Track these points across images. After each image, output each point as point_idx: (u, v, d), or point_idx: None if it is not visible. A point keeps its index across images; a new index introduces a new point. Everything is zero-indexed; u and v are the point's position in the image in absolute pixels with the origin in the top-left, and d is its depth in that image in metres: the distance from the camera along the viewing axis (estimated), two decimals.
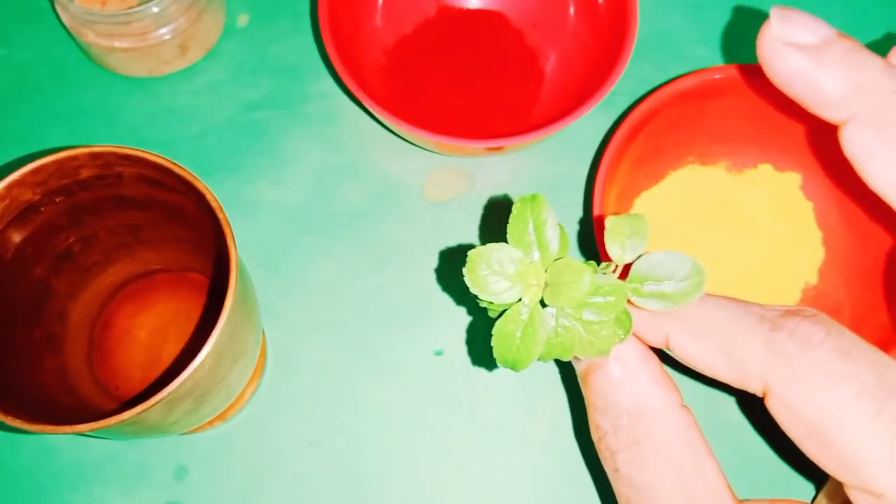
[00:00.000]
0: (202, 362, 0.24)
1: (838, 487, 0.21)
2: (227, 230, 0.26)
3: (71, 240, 0.31)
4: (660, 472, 0.21)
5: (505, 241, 0.21)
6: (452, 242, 0.38)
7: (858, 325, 0.33)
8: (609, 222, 0.21)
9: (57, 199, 0.28)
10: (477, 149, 0.35)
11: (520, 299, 0.21)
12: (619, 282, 0.21)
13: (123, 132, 0.40)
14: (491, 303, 0.22)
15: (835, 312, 0.35)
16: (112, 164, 0.27)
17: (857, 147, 0.21)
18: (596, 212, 0.32)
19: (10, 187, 0.26)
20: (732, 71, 0.33)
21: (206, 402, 0.28)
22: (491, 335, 0.21)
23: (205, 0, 0.39)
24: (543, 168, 0.40)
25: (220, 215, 0.26)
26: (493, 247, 0.21)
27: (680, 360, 0.22)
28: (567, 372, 0.36)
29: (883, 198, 0.21)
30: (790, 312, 0.20)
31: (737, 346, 0.21)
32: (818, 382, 0.19)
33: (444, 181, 0.39)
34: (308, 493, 0.34)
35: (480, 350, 0.36)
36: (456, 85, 0.41)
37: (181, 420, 0.27)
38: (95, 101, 0.40)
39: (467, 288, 0.21)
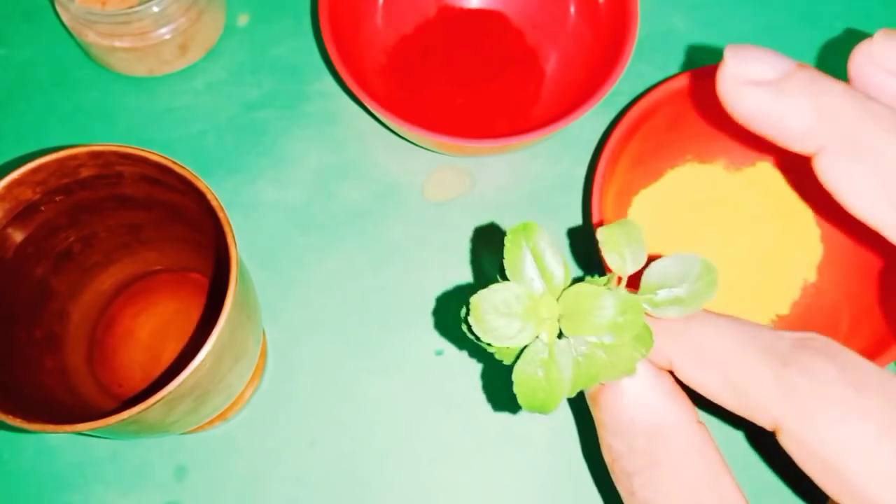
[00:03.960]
0: (202, 362, 0.24)
1: None
2: (227, 230, 0.26)
3: (71, 239, 0.31)
4: (677, 492, 0.20)
5: (498, 263, 0.20)
6: (453, 242, 0.38)
7: (857, 322, 0.33)
8: (602, 234, 0.20)
9: (57, 199, 0.28)
10: (477, 149, 0.35)
11: (536, 337, 0.20)
12: (634, 296, 0.20)
13: (124, 132, 0.40)
14: (503, 348, 0.21)
15: (834, 309, 0.35)
16: (112, 164, 0.27)
17: (834, 177, 0.21)
18: (594, 209, 0.32)
19: (10, 186, 0.26)
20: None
21: (206, 401, 0.28)
22: (511, 380, 0.20)
23: (205, 0, 0.39)
24: (543, 168, 0.40)
25: (221, 215, 0.26)
26: (494, 288, 0.20)
27: (686, 383, 0.22)
28: None
29: (869, 225, 0.21)
30: (800, 345, 0.20)
31: (744, 380, 0.20)
32: (834, 421, 0.18)
33: (444, 181, 0.39)
34: (308, 492, 0.34)
35: (480, 350, 0.36)
36: (456, 85, 0.41)
37: (181, 420, 0.27)
38: (96, 101, 0.40)
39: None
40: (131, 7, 0.36)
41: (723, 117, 0.36)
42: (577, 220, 0.39)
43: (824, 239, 0.37)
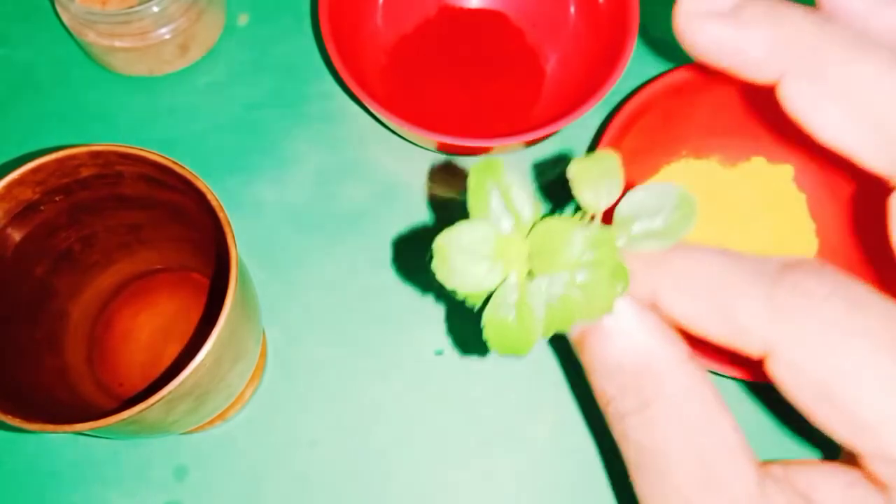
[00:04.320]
0: (202, 362, 0.24)
1: (852, 460, 0.19)
2: (227, 230, 0.26)
3: (71, 239, 0.31)
4: (671, 433, 0.19)
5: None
6: None
7: None
8: (574, 168, 0.19)
9: (57, 199, 0.28)
10: (477, 149, 0.35)
11: (505, 279, 0.19)
12: (606, 230, 0.19)
13: (124, 132, 0.40)
14: (469, 293, 0.20)
15: None
16: (112, 164, 0.27)
17: (798, 103, 0.20)
18: None
19: (10, 186, 0.26)
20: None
21: (206, 401, 0.28)
22: (481, 327, 0.19)
23: (205, 0, 0.39)
24: (543, 168, 0.40)
25: (221, 215, 0.26)
26: (459, 229, 0.18)
27: (669, 318, 0.21)
28: (567, 369, 0.36)
29: (833, 148, 0.20)
30: (791, 265, 0.19)
31: (732, 305, 0.19)
32: (828, 340, 0.17)
33: (444, 181, 0.39)
34: (308, 492, 0.34)
35: (480, 350, 0.36)
36: (456, 85, 0.41)
37: (181, 419, 0.27)
38: (96, 101, 0.40)
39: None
40: (131, 7, 0.36)
41: (718, 112, 0.36)
42: None
43: (819, 233, 0.37)
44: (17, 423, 0.23)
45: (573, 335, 0.21)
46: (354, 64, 0.36)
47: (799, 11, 0.20)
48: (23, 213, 0.28)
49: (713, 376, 0.32)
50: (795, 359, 0.18)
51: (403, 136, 0.37)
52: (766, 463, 0.20)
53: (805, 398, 0.18)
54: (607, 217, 0.19)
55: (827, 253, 0.36)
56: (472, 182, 0.19)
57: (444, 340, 0.36)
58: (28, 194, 0.27)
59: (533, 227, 0.19)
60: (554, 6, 0.41)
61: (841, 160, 0.21)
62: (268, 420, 0.35)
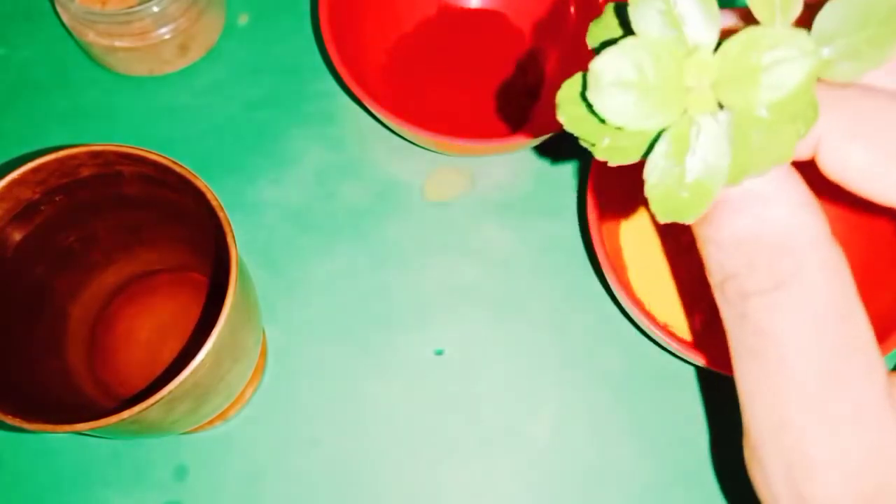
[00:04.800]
0: (202, 361, 0.24)
1: None
2: (227, 229, 0.26)
3: (71, 239, 0.31)
4: (801, 319, 0.17)
5: None
6: (453, 242, 0.38)
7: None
8: None
9: (57, 198, 0.28)
10: (477, 149, 0.35)
11: (682, 116, 0.15)
12: (809, 50, 0.14)
13: (124, 131, 0.40)
14: (626, 139, 0.15)
15: None
16: (112, 163, 0.27)
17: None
18: (589, 206, 0.32)
19: (10, 186, 0.26)
20: None
21: (206, 401, 0.28)
22: (646, 183, 0.15)
23: (205, 0, 0.39)
24: (543, 168, 0.40)
25: (221, 214, 0.26)
26: (623, 46, 0.14)
27: (830, 175, 0.18)
28: (567, 366, 0.36)
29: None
30: None
31: None
32: None
33: (444, 181, 0.39)
34: (308, 492, 0.34)
35: (480, 350, 0.36)
36: (456, 85, 0.41)
37: (181, 419, 0.27)
38: (96, 101, 0.40)
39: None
40: (131, 7, 0.36)
41: None
42: (576, 220, 0.39)
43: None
44: (17, 423, 0.23)
45: None
46: (354, 64, 0.36)
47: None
48: (23, 213, 0.28)
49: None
50: None
51: (403, 135, 0.37)
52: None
53: None
54: None
55: None
56: None
57: (444, 340, 0.36)
58: (28, 194, 0.27)
59: (722, 43, 0.14)
60: (554, 6, 0.41)
61: None
62: (268, 420, 0.35)
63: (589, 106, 0.14)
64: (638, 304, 0.31)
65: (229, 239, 0.26)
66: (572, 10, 0.40)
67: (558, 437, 0.35)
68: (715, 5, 0.14)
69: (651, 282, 0.36)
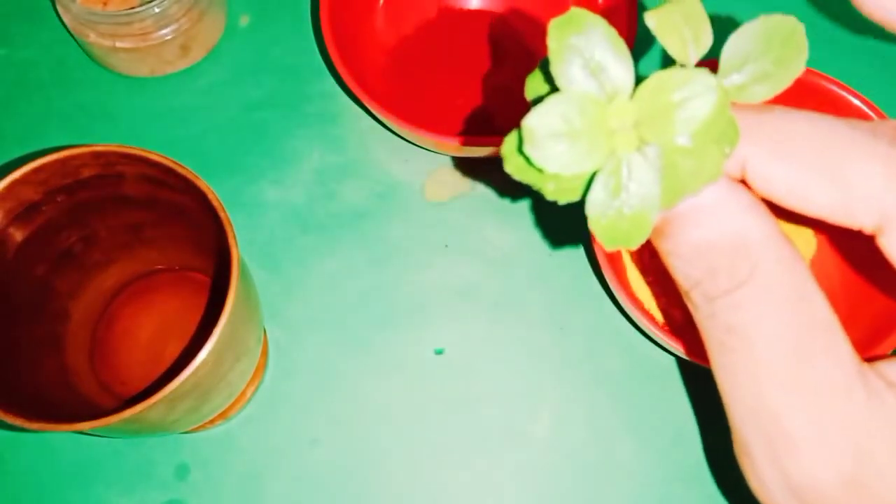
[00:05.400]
0: (204, 361, 0.24)
1: None
2: (228, 229, 0.26)
3: (72, 239, 0.31)
4: (765, 310, 0.18)
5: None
6: (453, 242, 0.38)
7: (853, 315, 0.33)
8: (653, 17, 0.16)
9: (58, 199, 0.28)
10: (477, 149, 0.35)
11: (611, 155, 0.16)
12: (720, 80, 0.16)
13: (125, 132, 0.40)
14: (564, 183, 0.17)
15: (830, 301, 0.35)
16: (114, 164, 0.27)
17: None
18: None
19: (11, 186, 0.26)
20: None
21: (207, 400, 0.28)
22: (587, 217, 0.16)
23: (206, 0, 0.39)
24: None
25: (222, 214, 0.26)
26: (549, 104, 0.15)
27: (759, 193, 0.18)
28: (567, 366, 0.36)
29: None
30: None
31: (843, 170, 0.16)
32: None
33: (444, 181, 0.39)
34: (309, 491, 0.34)
35: (480, 349, 0.36)
36: (456, 85, 0.41)
37: (182, 418, 0.27)
38: (97, 101, 0.40)
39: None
40: (133, 8, 0.36)
41: None
42: (576, 220, 0.39)
43: (817, 233, 0.37)
44: (17, 422, 0.23)
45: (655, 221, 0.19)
46: (355, 64, 0.36)
47: None
48: (24, 213, 0.28)
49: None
50: None
51: (404, 136, 0.37)
52: (873, 360, 0.19)
53: None
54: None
55: (825, 255, 0.36)
56: (553, 45, 0.16)
57: (444, 340, 0.36)
58: (30, 194, 0.27)
59: (638, 87, 0.16)
60: (554, 6, 0.41)
61: None
62: (269, 419, 0.35)
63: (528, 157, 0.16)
64: (638, 304, 0.31)
65: (230, 239, 0.26)
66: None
67: (558, 437, 0.35)
68: (628, 53, 0.16)
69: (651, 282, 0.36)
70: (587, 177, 0.16)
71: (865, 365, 0.18)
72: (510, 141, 0.17)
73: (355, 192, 0.39)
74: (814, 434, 0.18)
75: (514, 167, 0.17)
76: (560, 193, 0.17)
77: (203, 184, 0.26)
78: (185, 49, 0.40)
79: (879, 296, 0.33)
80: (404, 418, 0.35)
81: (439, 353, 0.36)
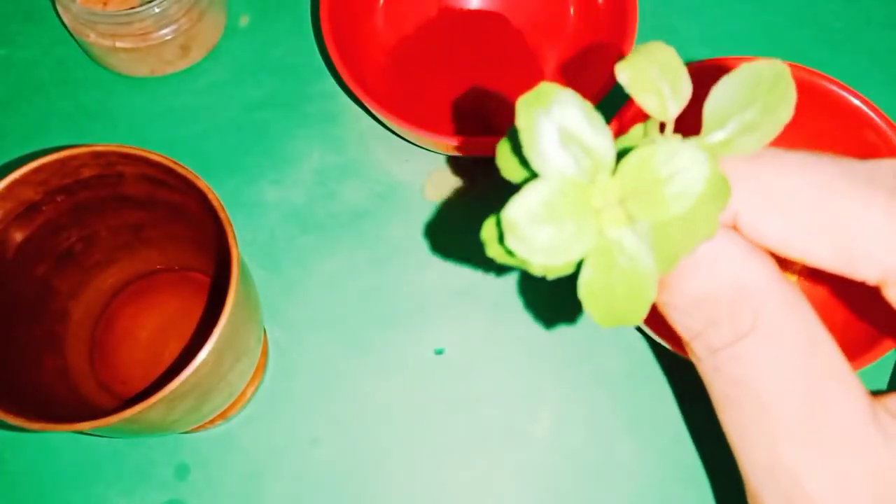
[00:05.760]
0: (204, 361, 0.24)
1: None
2: (228, 229, 0.26)
3: (72, 239, 0.31)
4: (772, 361, 0.17)
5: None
6: (453, 242, 0.38)
7: (850, 321, 0.33)
8: (624, 69, 0.15)
9: (58, 199, 0.28)
10: (476, 149, 0.35)
11: (599, 236, 0.15)
12: (701, 140, 0.15)
13: (125, 132, 0.40)
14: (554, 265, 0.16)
15: (825, 308, 0.35)
16: (114, 164, 0.27)
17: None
18: None
19: (11, 186, 0.26)
20: (723, 64, 0.34)
21: (207, 400, 0.28)
22: (579, 298, 0.15)
23: (206, 0, 0.39)
24: None
25: (222, 215, 0.26)
26: (527, 191, 0.14)
27: (752, 240, 0.18)
28: (567, 366, 0.36)
29: None
30: None
31: (842, 221, 0.16)
32: None
33: (444, 181, 0.39)
34: (309, 491, 0.34)
35: (480, 349, 0.36)
36: (456, 85, 0.41)
37: (182, 418, 0.27)
38: (97, 101, 0.40)
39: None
40: (133, 8, 0.36)
41: None
42: None
43: None
44: (18, 422, 0.23)
45: None
46: (355, 64, 0.36)
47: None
48: (24, 213, 0.28)
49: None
50: None
51: (404, 136, 0.37)
52: (878, 395, 0.18)
53: None
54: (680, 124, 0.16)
55: None
56: (522, 123, 0.15)
57: (444, 340, 0.36)
58: (30, 194, 0.27)
59: (619, 161, 0.15)
60: (553, 7, 0.41)
61: None
62: (269, 419, 0.35)
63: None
64: None
65: (230, 239, 0.26)
66: (572, 10, 0.40)
67: (558, 437, 0.35)
68: (604, 124, 0.15)
69: None
70: (577, 259, 0.16)
71: (877, 403, 0.18)
72: (488, 228, 0.16)
73: (355, 192, 0.39)
74: (835, 493, 0.17)
75: (496, 254, 0.16)
76: (549, 270, 0.16)
77: (203, 184, 0.26)
78: (185, 49, 0.40)
79: (876, 300, 0.33)
80: (404, 418, 0.35)
81: (439, 353, 0.36)
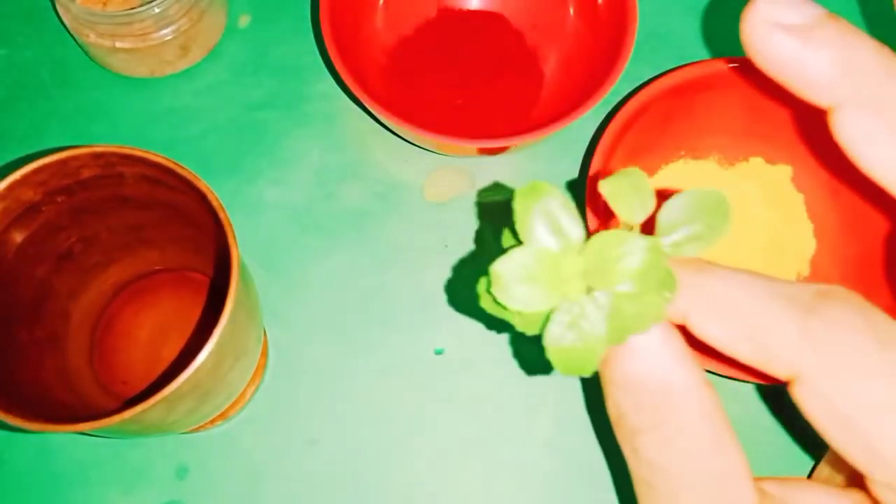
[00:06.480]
0: (203, 361, 0.24)
1: (839, 461, 0.20)
2: (228, 230, 0.26)
3: (72, 240, 0.31)
4: (683, 454, 0.20)
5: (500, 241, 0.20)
6: (453, 242, 0.38)
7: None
8: (607, 187, 0.20)
9: (58, 199, 0.28)
10: (477, 149, 0.35)
11: (563, 299, 0.19)
12: (654, 238, 0.19)
13: (125, 132, 0.40)
14: (527, 318, 0.20)
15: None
16: (113, 164, 0.27)
17: (851, 132, 0.20)
18: (588, 209, 0.32)
19: (11, 187, 0.26)
20: (723, 65, 0.34)
21: (207, 401, 0.28)
22: (544, 348, 0.20)
23: (206, 1, 0.39)
24: (543, 168, 0.40)
25: (222, 215, 0.26)
26: (514, 255, 0.19)
27: (699, 336, 0.21)
28: None
29: (881, 185, 0.20)
30: (822, 294, 0.19)
31: (764, 330, 0.19)
32: (856, 374, 0.18)
33: (444, 181, 0.39)
34: (309, 492, 0.34)
35: (480, 349, 0.36)
36: (456, 85, 0.41)
37: (182, 419, 0.27)
38: (97, 102, 0.40)
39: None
40: (132, 8, 0.36)
41: (716, 113, 0.36)
42: None
43: (817, 233, 0.37)
44: (17, 422, 0.23)
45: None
46: (354, 64, 0.36)
47: (870, 43, 0.20)
48: (24, 214, 0.28)
49: (723, 379, 0.32)
50: (821, 387, 0.19)
51: (403, 136, 0.37)
52: (761, 479, 0.21)
53: (826, 423, 0.19)
54: (645, 228, 0.20)
55: (825, 253, 0.37)
56: (518, 207, 0.19)
57: (444, 340, 0.36)
58: (29, 195, 0.27)
59: (586, 243, 0.19)
60: (553, 7, 0.41)
61: (840, 162, 0.21)
62: (268, 419, 0.35)
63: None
64: None
65: (230, 239, 0.26)
66: (571, 10, 0.40)
67: (558, 437, 0.35)
68: (578, 216, 0.19)
69: None
70: (546, 314, 0.19)
71: (768, 500, 0.21)
72: (483, 282, 0.20)
73: (355, 192, 0.39)
74: None
75: (486, 304, 0.21)
76: (525, 326, 0.21)
77: (203, 184, 0.26)
78: (184, 49, 0.40)
79: (879, 295, 0.33)
80: (404, 418, 0.35)
81: (439, 353, 0.36)
